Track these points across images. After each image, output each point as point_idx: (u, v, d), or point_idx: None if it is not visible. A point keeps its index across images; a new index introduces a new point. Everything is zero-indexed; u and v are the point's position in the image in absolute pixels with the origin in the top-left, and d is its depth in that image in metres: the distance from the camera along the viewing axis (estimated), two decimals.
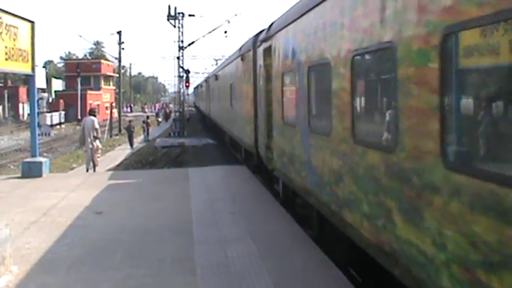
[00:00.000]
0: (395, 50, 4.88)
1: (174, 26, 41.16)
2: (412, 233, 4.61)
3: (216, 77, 28.14)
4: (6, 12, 13.10)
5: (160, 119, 61.46)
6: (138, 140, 41.16)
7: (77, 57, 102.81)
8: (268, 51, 11.64)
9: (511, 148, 3.59)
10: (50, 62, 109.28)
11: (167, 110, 69.41)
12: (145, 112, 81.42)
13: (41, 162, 14.80)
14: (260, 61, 12.77)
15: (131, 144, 35.62)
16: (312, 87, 8.07)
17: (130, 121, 39.32)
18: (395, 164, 4.94)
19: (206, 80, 40.91)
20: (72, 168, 26.54)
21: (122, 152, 33.47)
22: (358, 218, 5.90)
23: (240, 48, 17.17)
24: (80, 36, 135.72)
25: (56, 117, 61.83)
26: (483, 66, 3.93)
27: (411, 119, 4.64)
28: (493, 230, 3.52)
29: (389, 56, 5.10)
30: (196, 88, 73.27)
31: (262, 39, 12.45)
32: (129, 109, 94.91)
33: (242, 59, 16.37)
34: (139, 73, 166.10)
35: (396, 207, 4.94)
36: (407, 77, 4.67)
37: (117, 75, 61.04)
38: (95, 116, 17.86)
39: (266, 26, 12.06)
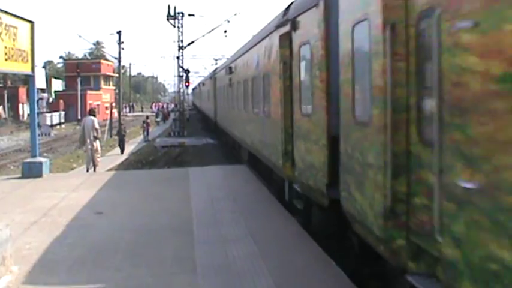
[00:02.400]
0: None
1: (174, 26, 41.19)
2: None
3: (203, 84, 48.16)
4: (6, 12, 13.07)
5: (159, 119, 61.32)
6: (138, 139, 41.13)
7: (76, 57, 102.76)
8: (214, 80, 30.20)
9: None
10: (50, 62, 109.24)
11: (165, 111, 69.17)
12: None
13: (41, 163, 14.79)
14: (215, 82, 29.57)
15: (122, 150, 32.93)
16: (220, 94, 26.52)
17: (121, 124, 36.80)
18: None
19: (198, 85, 59.08)
20: (72, 168, 26.52)
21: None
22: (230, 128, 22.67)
23: (210, 72, 37.81)
24: (80, 36, 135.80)
25: (55, 117, 61.78)
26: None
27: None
28: None
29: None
30: (194, 89, 73.93)
31: (213, 73, 32.92)
32: (128, 109, 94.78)
33: (210, 78, 34.55)
34: (139, 73, 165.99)
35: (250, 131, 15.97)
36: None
37: (117, 75, 60.98)
38: (94, 116, 17.88)
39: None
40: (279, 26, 10.32)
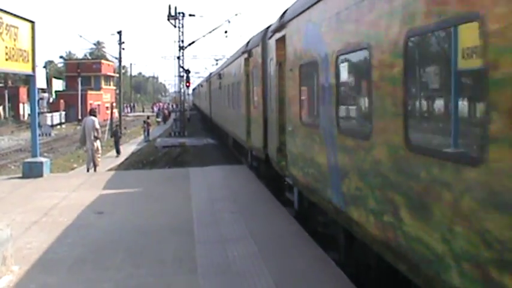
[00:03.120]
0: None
1: (175, 26, 41.19)
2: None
3: (201, 86, 55.10)
4: (7, 12, 13.10)
5: (159, 119, 61.11)
6: (138, 139, 41.11)
7: (77, 57, 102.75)
8: (209, 83, 36.91)
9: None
10: (51, 62, 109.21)
11: (165, 112, 68.75)
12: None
13: (41, 163, 14.81)
14: (210, 85, 36.29)
15: (117, 151, 31.41)
16: (214, 95, 32.72)
17: (116, 125, 34.89)
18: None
19: (198, 86, 65.78)
20: (72, 169, 26.56)
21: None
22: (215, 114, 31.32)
23: (207, 76, 44.43)
24: (81, 36, 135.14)
25: (56, 117, 61.82)
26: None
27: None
28: None
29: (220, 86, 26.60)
30: (194, 90, 74.39)
31: (208, 77, 40.01)
32: (128, 109, 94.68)
33: (206, 81, 41.56)
34: (140, 73, 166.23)
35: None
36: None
37: (118, 75, 61.00)
38: (95, 116, 17.89)
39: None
40: (243, 53, 16.05)
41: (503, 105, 3.29)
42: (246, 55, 15.49)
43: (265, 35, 12.71)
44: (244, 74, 15.82)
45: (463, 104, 4.08)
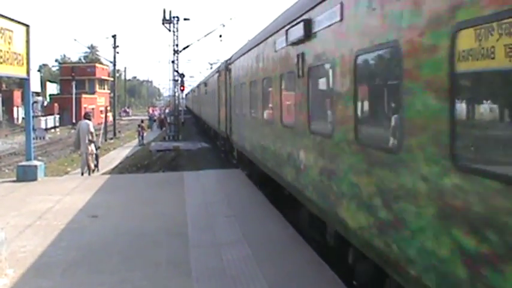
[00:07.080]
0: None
1: (169, 30, 41.11)
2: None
3: (189, 93, 71.25)
4: (1, 15, 13.10)
5: (154, 126, 59.14)
6: (133, 143, 41.01)
7: (71, 61, 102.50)
8: (193, 92, 63.79)
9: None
10: (45, 65, 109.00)
11: (162, 116, 66.98)
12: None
13: (35, 166, 14.79)
14: (194, 93, 62.35)
15: (96, 165, 20.68)
16: (197, 99, 52.65)
17: (97, 135, 26.49)
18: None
19: (188, 92, 74.01)
20: (67, 172, 26.47)
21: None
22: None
23: (193, 87, 68.10)
24: (75, 40, 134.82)
25: (50, 120, 61.64)
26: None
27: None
28: None
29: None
30: (187, 95, 74.68)
31: (193, 88, 66.51)
32: (124, 113, 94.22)
33: (193, 91, 64.96)
34: (134, 77, 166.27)
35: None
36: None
37: (112, 79, 60.91)
38: (90, 119, 17.85)
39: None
40: (217, 72, 24.59)
41: (411, 116, 4.62)
42: (217, 74, 23.79)
43: (226, 63, 20.18)
44: (217, 85, 23.65)
45: (391, 112, 5.42)
